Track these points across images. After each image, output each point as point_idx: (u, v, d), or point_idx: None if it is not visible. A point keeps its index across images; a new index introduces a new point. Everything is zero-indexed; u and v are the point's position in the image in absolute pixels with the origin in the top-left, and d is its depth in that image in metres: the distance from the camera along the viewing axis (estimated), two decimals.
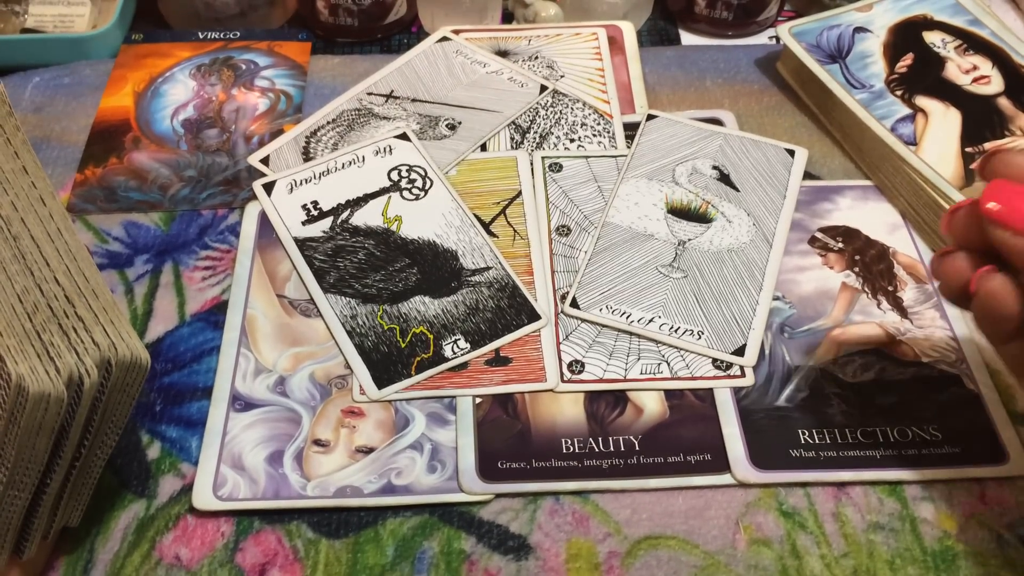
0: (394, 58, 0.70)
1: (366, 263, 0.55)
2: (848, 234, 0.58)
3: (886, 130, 0.59)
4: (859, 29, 0.66)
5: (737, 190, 0.59)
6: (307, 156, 0.62)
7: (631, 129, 0.64)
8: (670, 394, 0.50)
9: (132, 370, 0.37)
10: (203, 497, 0.46)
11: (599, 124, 0.64)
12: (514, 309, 0.53)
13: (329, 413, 0.49)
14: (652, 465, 0.47)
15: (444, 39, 0.71)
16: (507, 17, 0.76)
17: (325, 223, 0.58)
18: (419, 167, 0.61)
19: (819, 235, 0.58)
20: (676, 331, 0.52)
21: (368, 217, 0.58)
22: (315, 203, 0.59)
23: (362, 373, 0.51)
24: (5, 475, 0.36)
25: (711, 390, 0.50)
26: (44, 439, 0.35)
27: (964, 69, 0.63)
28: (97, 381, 0.36)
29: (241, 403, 0.50)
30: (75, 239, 0.39)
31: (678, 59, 0.70)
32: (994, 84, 0.62)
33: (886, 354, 0.52)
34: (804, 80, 0.66)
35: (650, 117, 0.65)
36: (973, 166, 0.57)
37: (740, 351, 0.51)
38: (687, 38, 0.75)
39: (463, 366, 0.51)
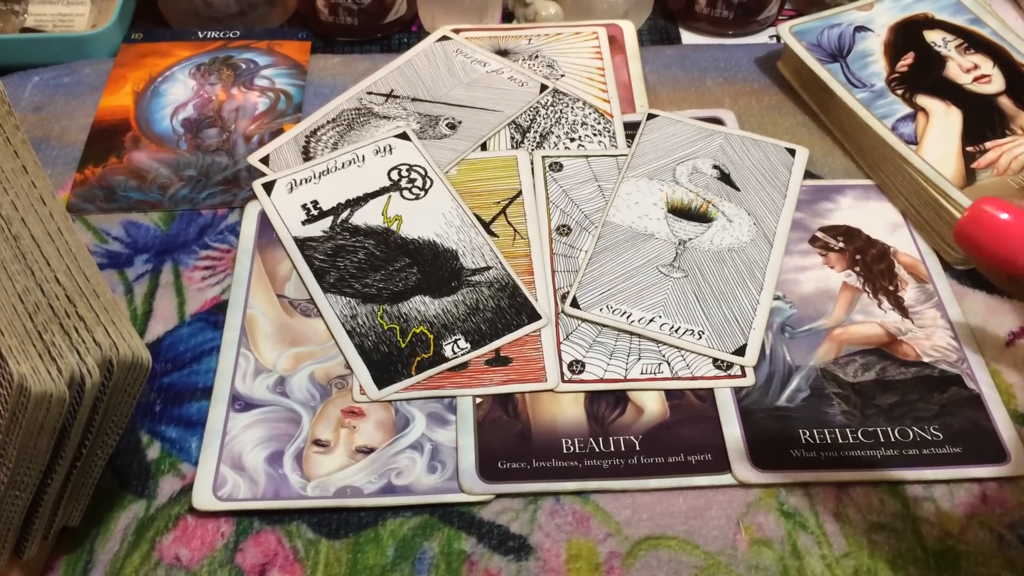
0: (394, 57, 0.69)
1: (366, 263, 0.55)
2: (849, 233, 0.58)
3: (887, 129, 0.59)
4: (860, 28, 0.66)
5: (738, 189, 0.59)
6: (307, 155, 0.62)
7: (631, 128, 0.64)
8: (671, 394, 0.50)
9: (133, 370, 0.37)
10: (203, 497, 0.46)
11: (599, 123, 0.64)
12: (514, 309, 0.53)
13: (329, 413, 0.49)
14: (653, 465, 0.47)
15: (444, 38, 0.71)
16: (507, 16, 0.76)
17: (325, 223, 0.58)
18: (419, 166, 0.61)
19: (820, 234, 0.58)
20: (677, 331, 0.52)
21: (368, 217, 0.58)
22: (315, 203, 0.59)
23: (362, 373, 0.51)
24: (6, 475, 0.36)
25: (712, 390, 0.50)
26: (45, 439, 0.35)
27: (965, 68, 0.63)
28: (99, 381, 0.35)
29: (241, 403, 0.50)
30: (75, 239, 0.39)
31: (678, 58, 0.70)
32: (995, 83, 0.62)
33: (887, 354, 0.52)
34: (805, 79, 0.66)
35: (650, 116, 0.64)
36: (974, 165, 0.57)
37: (741, 351, 0.51)
38: (687, 37, 0.74)
39: (463, 366, 0.51)
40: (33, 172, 0.40)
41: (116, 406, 0.38)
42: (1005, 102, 0.61)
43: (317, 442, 0.48)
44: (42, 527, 0.41)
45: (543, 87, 0.66)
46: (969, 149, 0.58)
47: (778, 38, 0.72)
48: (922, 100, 0.61)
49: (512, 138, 0.63)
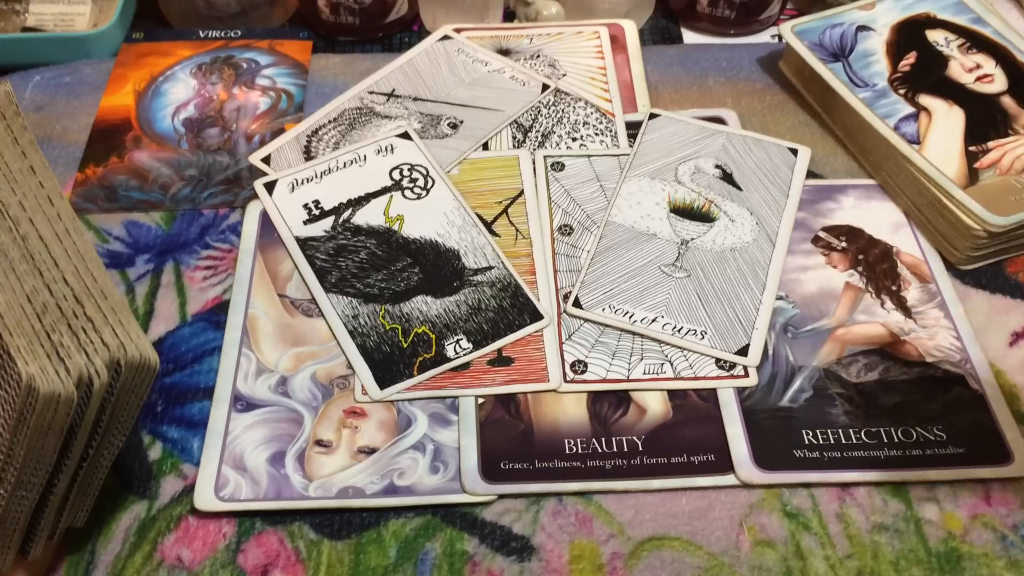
0: (395, 57, 0.69)
1: (368, 263, 0.55)
2: (851, 233, 0.58)
3: (889, 129, 0.59)
4: (862, 27, 0.66)
5: (740, 189, 0.59)
6: (308, 155, 0.62)
7: (633, 128, 0.64)
8: (673, 394, 0.50)
9: (141, 371, 0.37)
10: (205, 498, 0.46)
11: (601, 123, 0.64)
12: (516, 309, 0.53)
13: (331, 413, 0.49)
14: (655, 466, 0.47)
15: (446, 37, 0.70)
16: (508, 15, 0.75)
17: (327, 222, 0.58)
18: (421, 166, 0.61)
19: (822, 234, 0.58)
20: (679, 331, 0.52)
21: (370, 216, 0.58)
22: (316, 202, 0.59)
23: (364, 373, 0.50)
24: (13, 475, 0.36)
25: (714, 390, 0.50)
26: (53, 440, 0.35)
27: (967, 68, 0.63)
28: (106, 382, 0.35)
29: (243, 403, 0.50)
30: (83, 239, 0.39)
31: (680, 58, 0.70)
32: (997, 83, 0.62)
33: (890, 354, 0.52)
34: (807, 79, 0.66)
35: (652, 116, 0.64)
36: (977, 165, 0.57)
37: (743, 351, 0.51)
38: (689, 36, 0.74)
39: (465, 366, 0.51)
40: (41, 172, 0.40)
41: (123, 407, 0.38)
42: (1007, 102, 0.61)
43: (319, 442, 0.48)
44: (48, 527, 0.41)
45: (545, 87, 0.66)
46: (972, 149, 0.58)
47: (780, 37, 0.72)
48: (924, 100, 0.61)
49: (514, 138, 0.63)
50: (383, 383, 0.50)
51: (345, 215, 0.58)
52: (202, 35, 0.71)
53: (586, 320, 0.53)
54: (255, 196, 0.60)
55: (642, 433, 0.49)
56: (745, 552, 0.45)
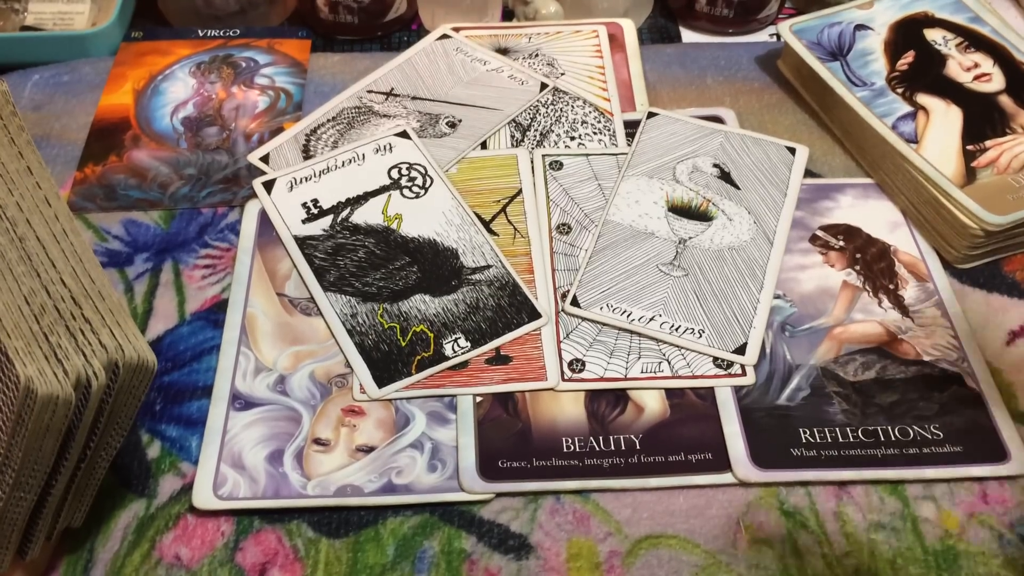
0: (394, 56, 0.69)
1: (366, 261, 0.55)
2: (849, 232, 0.58)
3: (887, 128, 0.59)
4: (860, 27, 0.66)
5: (738, 188, 0.59)
6: (307, 154, 0.62)
7: (632, 127, 0.64)
8: (671, 393, 0.50)
9: (139, 372, 0.37)
10: (203, 496, 0.46)
11: (599, 122, 0.64)
12: (514, 307, 0.53)
13: (329, 412, 0.49)
14: (653, 464, 0.47)
15: (444, 37, 0.71)
16: (507, 15, 0.75)
17: (325, 221, 0.58)
18: (419, 165, 0.61)
19: (820, 233, 0.58)
20: (677, 330, 0.52)
21: (368, 215, 0.58)
22: (315, 201, 0.59)
23: (362, 372, 0.51)
24: (12, 477, 0.36)
25: (712, 389, 0.50)
26: (51, 441, 0.35)
27: (965, 67, 0.63)
28: (104, 383, 0.35)
29: (241, 402, 0.50)
30: (80, 240, 0.39)
31: (679, 57, 0.70)
32: (995, 82, 0.62)
33: (887, 353, 0.52)
34: (805, 78, 0.66)
35: (651, 115, 0.64)
36: (974, 163, 0.57)
37: (741, 350, 0.51)
38: (688, 36, 0.74)
39: (463, 365, 0.51)
40: (38, 173, 0.40)
41: (121, 408, 0.38)
42: (1005, 100, 0.61)
43: (317, 441, 0.48)
44: (46, 528, 0.41)
45: (543, 85, 0.66)
46: (969, 148, 0.58)
47: (778, 36, 0.72)
48: (922, 99, 0.61)
49: (512, 136, 0.63)
50: (381, 382, 0.50)
51: (343, 214, 0.58)
52: (201, 34, 0.72)
53: (584, 319, 0.53)
54: (254, 195, 0.60)
55: (640, 432, 0.49)
56: (742, 550, 0.45)
